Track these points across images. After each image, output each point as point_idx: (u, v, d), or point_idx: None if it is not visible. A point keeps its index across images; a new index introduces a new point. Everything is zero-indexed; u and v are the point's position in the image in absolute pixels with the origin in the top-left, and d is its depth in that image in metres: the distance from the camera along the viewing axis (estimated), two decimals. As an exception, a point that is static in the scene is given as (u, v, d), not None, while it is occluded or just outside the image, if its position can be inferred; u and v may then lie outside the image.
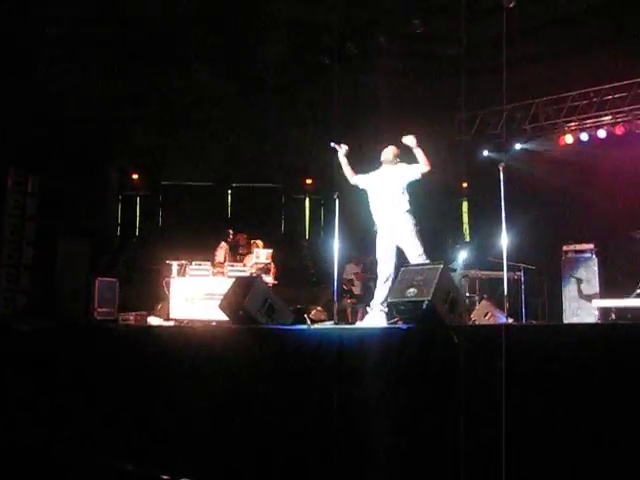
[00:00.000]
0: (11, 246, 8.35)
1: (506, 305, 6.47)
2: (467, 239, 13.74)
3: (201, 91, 13.72)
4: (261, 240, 11.39)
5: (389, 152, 7.46)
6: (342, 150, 7.53)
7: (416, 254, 7.02)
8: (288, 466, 4.94)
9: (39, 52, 12.30)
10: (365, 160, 7.95)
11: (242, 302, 6.16)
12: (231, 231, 11.46)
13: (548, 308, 10.18)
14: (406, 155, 7.43)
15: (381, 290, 7.17)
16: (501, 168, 6.49)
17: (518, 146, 12.01)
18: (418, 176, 7.23)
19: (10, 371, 6.69)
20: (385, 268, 7.19)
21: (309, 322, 10.06)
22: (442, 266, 5.32)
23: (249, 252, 11.24)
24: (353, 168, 7.64)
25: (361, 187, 7.60)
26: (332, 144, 7.51)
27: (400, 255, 7.20)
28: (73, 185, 12.88)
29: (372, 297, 7.39)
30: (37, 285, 8.90)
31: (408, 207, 7.24)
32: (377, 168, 7.55)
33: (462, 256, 11.12)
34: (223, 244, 11.17)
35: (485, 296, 9.30)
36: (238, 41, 13.80)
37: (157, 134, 14.22)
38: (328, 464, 4.69)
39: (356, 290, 11.83)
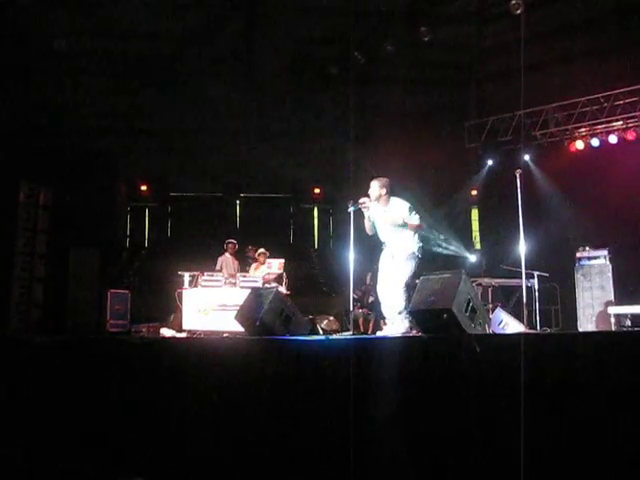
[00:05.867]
0: (24, 259, 8.35)
1: (525, 313, 6.43)
2: (477, 247, 13.68)
3: (209, 102, 13.75)
4: (270, 250, 11.29)
5: (374, 188, 6.56)
6: (366, 209, 6.55)
7: (398, 281, 6.38)
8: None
9: (49, 66, 12.36)
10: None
11: (259, 313, 6.11)
12: (233, 241, 11.31)
13: (562, 315, 10.10)
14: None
15: (385, 307, 6.59)
16: (517, 175, 6.42)
17: (529, 152, 11.92)
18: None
19: (23, 383, 6.63)
20: (380, 289, 6.62)
21: (321, 332, 10.03)
22: (462, 275, 5.26)
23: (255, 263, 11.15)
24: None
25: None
26: (351, 209, 6.52)
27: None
28: (82, 197, 12.89)
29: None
30: (50, 298, 8.85)
31: (410, 239, 6.53)
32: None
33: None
34: (226, 254, 11.05)
35: (499, 304, 9.26)
36: (244, 52, 13.88)
37: (165, 146, 14.25)
38: (345, 477, 4.63)
39: (368, 299, 11.77)
